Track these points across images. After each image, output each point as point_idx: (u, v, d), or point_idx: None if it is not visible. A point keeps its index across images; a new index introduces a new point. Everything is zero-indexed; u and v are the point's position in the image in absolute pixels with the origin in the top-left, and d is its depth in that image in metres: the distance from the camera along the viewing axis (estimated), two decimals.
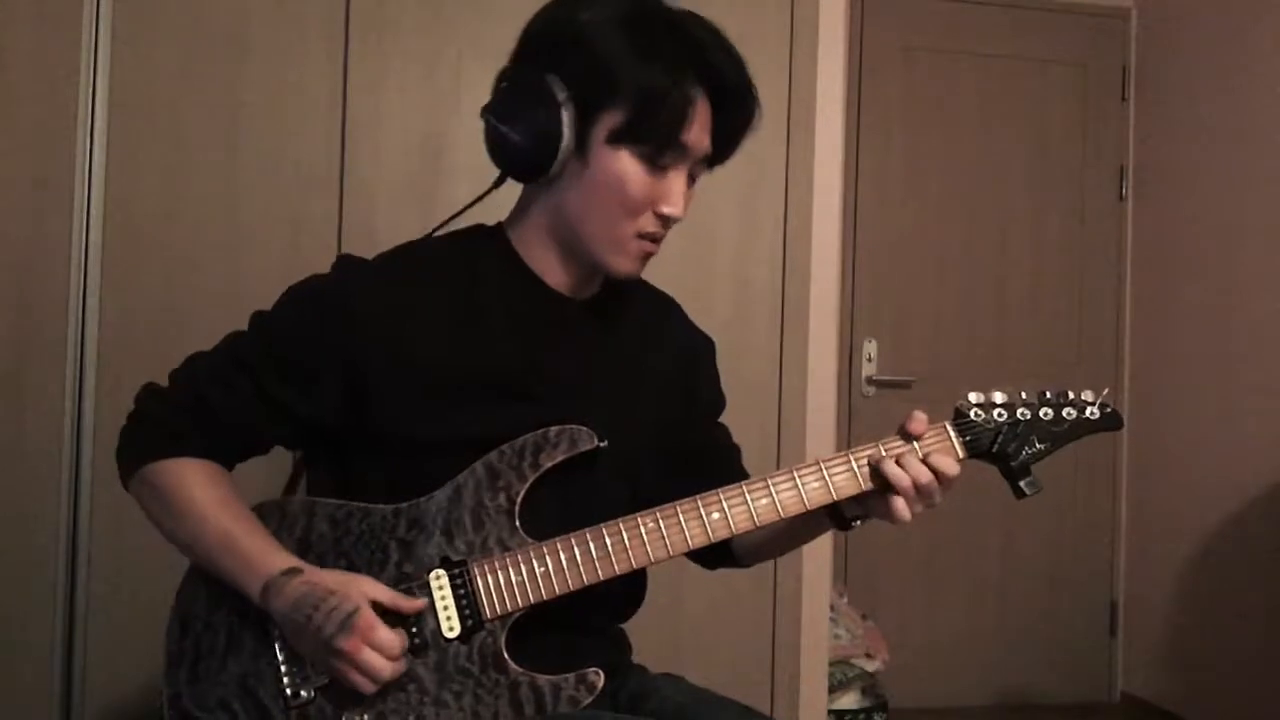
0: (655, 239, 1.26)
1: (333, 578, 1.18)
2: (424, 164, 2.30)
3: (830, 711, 2.80)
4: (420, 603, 1.19)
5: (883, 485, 1.24)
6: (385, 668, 1.14)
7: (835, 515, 1.31)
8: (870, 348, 3.65)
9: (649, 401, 1.35)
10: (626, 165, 1.21)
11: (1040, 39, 3.76)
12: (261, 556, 1.19)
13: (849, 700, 3.04)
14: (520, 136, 1.23)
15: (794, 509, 1.24)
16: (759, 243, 2.45)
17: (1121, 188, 3.83)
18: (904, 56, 3.69)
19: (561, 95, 1.19)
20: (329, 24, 2.26)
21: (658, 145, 1.20)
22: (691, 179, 1.26)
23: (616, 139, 1.20)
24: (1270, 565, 3.12)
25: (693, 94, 1.20)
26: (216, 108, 2.21)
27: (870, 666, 3.08)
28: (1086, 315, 3.81)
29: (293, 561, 1.19)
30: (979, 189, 3.73)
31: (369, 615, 1.14)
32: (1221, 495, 3.31)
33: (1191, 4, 3.59)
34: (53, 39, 2.14)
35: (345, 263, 1.30)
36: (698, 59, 1.21)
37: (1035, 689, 3.75)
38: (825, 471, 1.24)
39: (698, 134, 1.22)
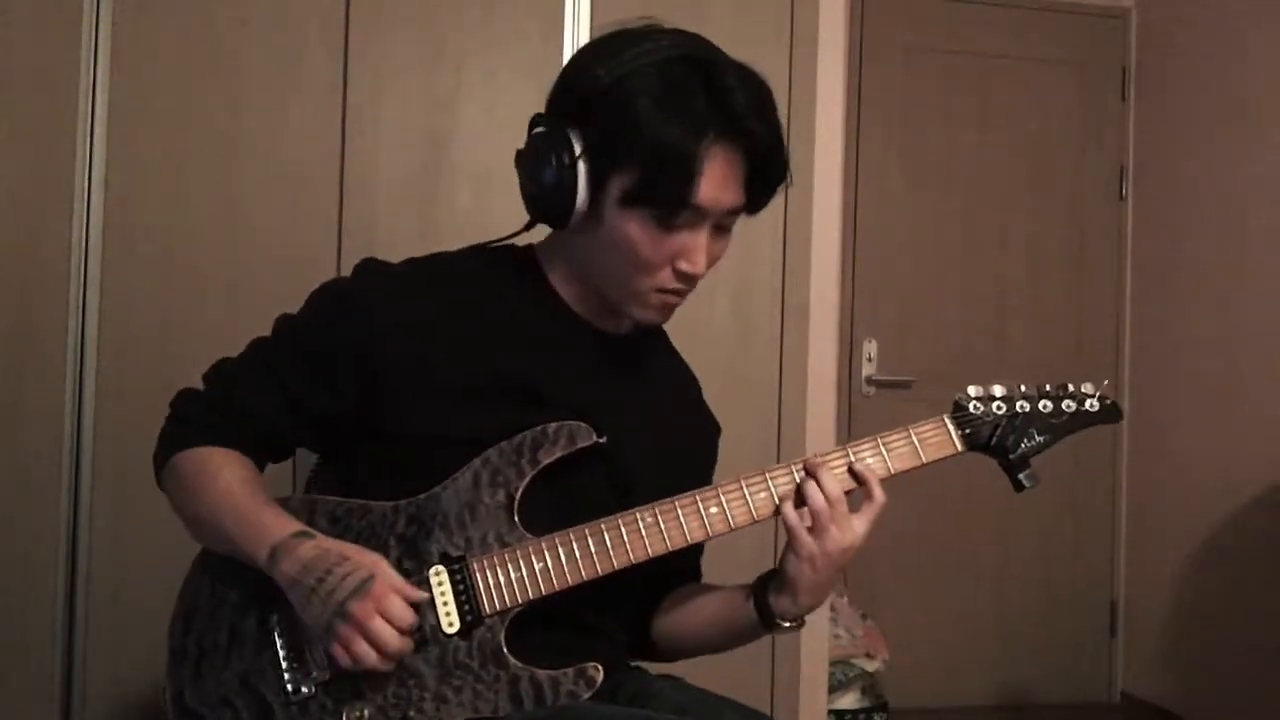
0: (677, 293, 1.26)
1: (347, 545, 1.18)
2: (424, 164, 2.30)
3: (830, 711, 2.80)
4: (424, 593, 1.19)
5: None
6: (394, 640, 1.14)
7: (765, 613, 1.30)
8: (870, 348, 3.65)
9: (655, 444, 1.34)
10: (638, 227, 1.19)
11: (1040, 39, 3.76)
12: (274, 522, 1.20)
13: (849, 700, 3.04)
14: (539, 188, 1.23)
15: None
16: (759, 243, 2.45)
17: (1121, 188, 3.83)
18: (904, 56, 3.69)
19: (578, 152, 1.19)
20: (329, 24, 2.26)
21: (668, 208, 1.18)
22: (723, 229, 1.24)
23: (627, 201, 1.18)
24: (1270, 565, 3.12)
25: (705, 153, 1.16)
26: (216, 108, 2.21)
27: (870, 666, 3.08)
28: (1086, 315, 3.81)
29: (302, 526, 1.20)
30: (979, 189, 3.73)
31: (383, 584, 1.14)
32: (1221, 495, 3.31)
33: (1191, 4, 3.59)
34: (53, 39, 2.14)
35: (367, 265, 1.32)
36: (720, 114, 1.16)
37: (1035, 689, 3.75)
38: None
39: (715, 192, 1.18)
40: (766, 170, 1.22)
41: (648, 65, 1.17)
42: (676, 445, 1.38)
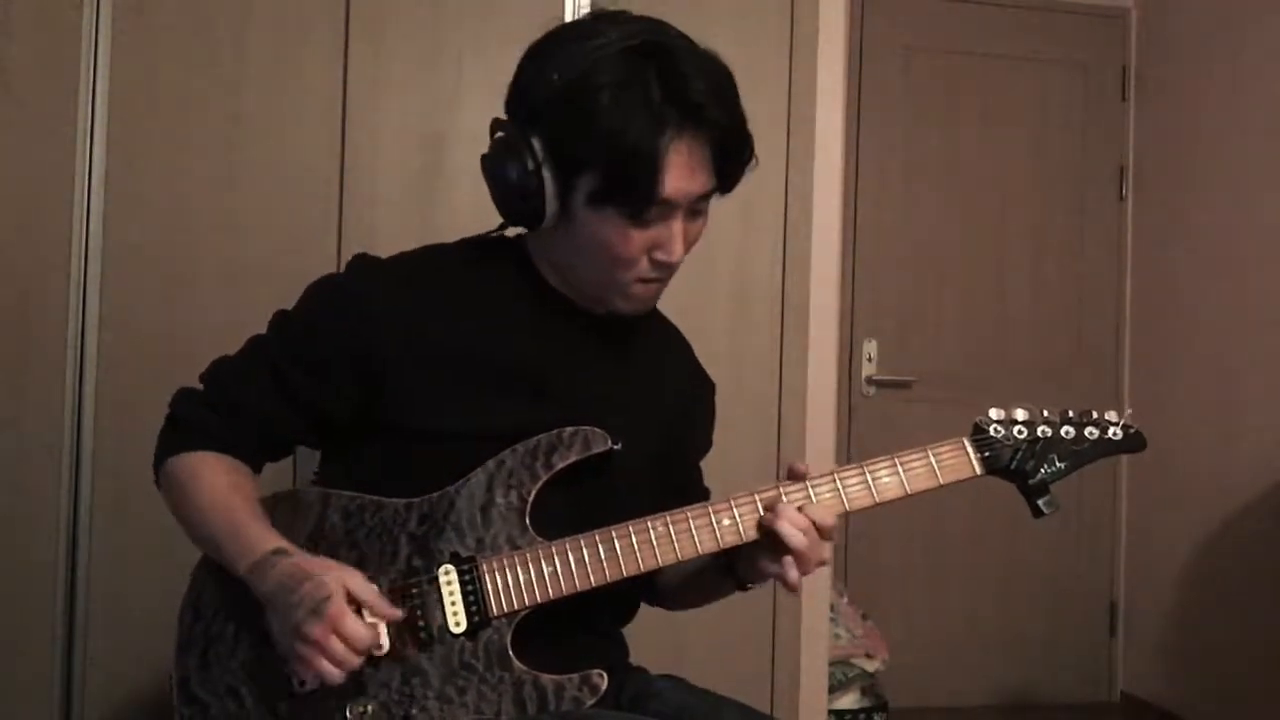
0: (657, 280, 1.26)
1: (316, 563, 1.17)
2: (424, 164, 2.30)
3: (830, 711, 2.80)
4: (397, 613, 1.17)
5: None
6: (350, 659, 1.12)
7: (735, 573, 1.31)
8: (870, 348, 3.65)
9: (655, 420, 1.35)
10: (610, 226, 1.19)
11: (1040, 39, 3.76)
12: (252, 537, 1.19)
13: (849, 700, 3.04)
14: (507, 193, 1.23)
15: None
16: (759, 243, 2.44)
17: (1121, 188, 3.83)
18: (904, 56, 3.69)
19: (542, 157, 1.19)
20: (329, 24, 2.25)
21: (635, 206, 1.18)
22: (697, 213, 1.23)
23: (595, 202, 1.18)
24: (1270, 565, 3.12)
25: (667, 147, 1.15)
26: (216, 108, 2.21)
27: (870, 666, 3.08)
28: (1086, 315, 3.81)
29: (281, 543, 1.19)
30: (979, 189, 3.73)
31: (340, 604, 1.12)
32: (1221, 496, 3.31)
33: (1191, 4, 3.59)
34: (53, 39, 2.14)
35: (360, 260, 1.33)
36: (677, 104, 1.15)
37: (1035, 689, 3.75)
38: (839, 482, 1.25)
39: (683, 181, 1.18)
40: (731, 153, 1.22)
41: (599, 62, 1.16)
42: (675, 416, 1.39)
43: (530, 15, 2.34)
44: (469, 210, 2.30)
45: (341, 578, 1.14)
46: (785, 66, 2.44)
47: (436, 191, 2.31)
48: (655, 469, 1.33)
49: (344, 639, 1.11)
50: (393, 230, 2.26)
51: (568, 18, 2.33)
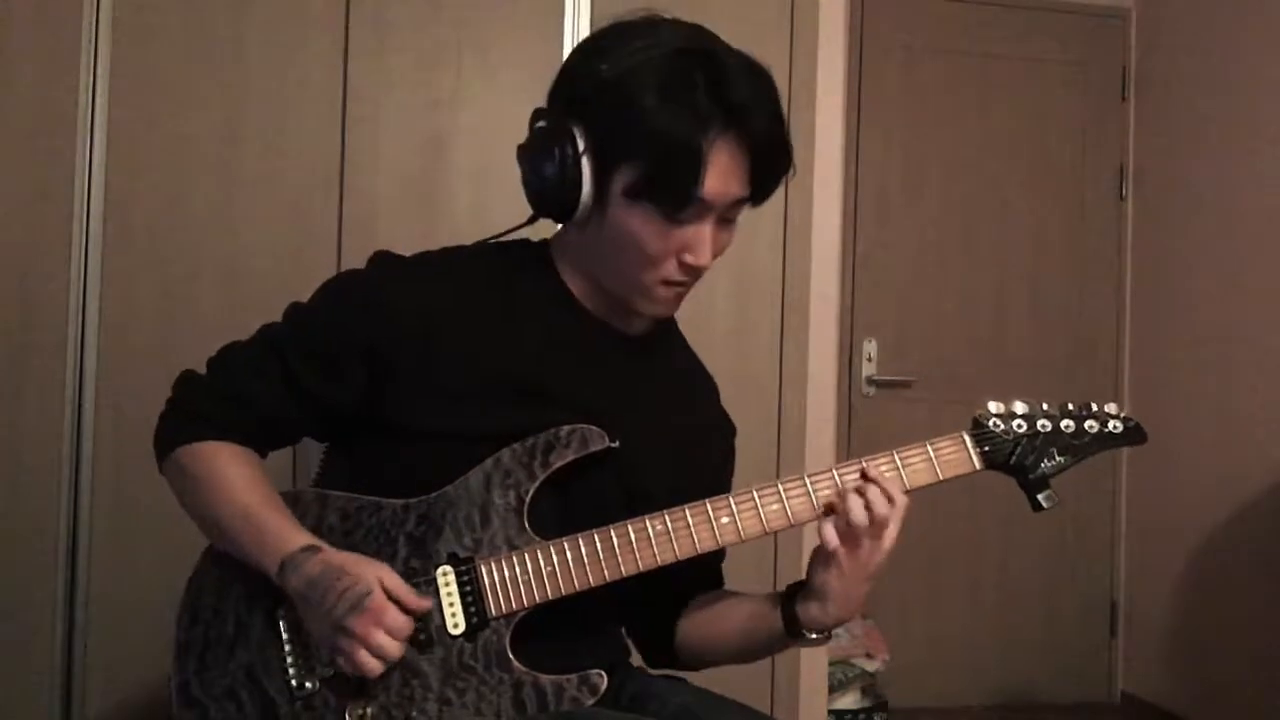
0: (682, 284, 1.25)
1: (349, 559, 1.18)
2: (424, 164, 2.30)
3: (830, 711, 2.80)
4: (427, 602, 1.19)
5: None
6: (395, 649, 1.15)
7: (791, 623, 1.27)
8: (870, 348, 3.65)
9: (666, 446, 1.33)
10: (643, 220, 1.19)
11: (1040, 39, 3.76)
12: (281, 534, 1.20)
13: (849, 700, 3.05)
14: (543, 182, 1.22)
15: (804, 515, 1.23)
16: (759, 243, 2.45)
17: (1121, 188, 3.83)
18: (904, 56, 3.69)
19: (582, 146, 1.19)
20: (329, 24, 2.26)
21: (673, 202, 1.18)
22: (727, 221, 1.24)
23: (632, 194, 1.18)
24: (1270, 565, 3.12)
25: (710, 146, 1.16)
26: (216, 107, 2.21)
27: (870, 666, 3.09)
28: (1086, 315, 3.81)
29: (312, 540, 1.20)
30: (979, 189, 3.73)
31: (381, 597, 1.15)
32: (1221, 495, 3.31)
33: (1191, 4, 3.59)
34: (53, 39, 2.14)
35: (380, 258, 1.32)
36: (722, 106, 1.16)
37: (1035, 689, 3.75)
38: (837, 478, 1.24)
39: (720, 184, 1.18)
40: (769, 160, 1.23)
41: (649, 59, 1.17)
42: (689, 448, 1.37)
43: (531, 16, 2.36)
44: (469, 210, 2.31)
45: (377, 573, 1.16)
46: (785, 66, 2.44)
47: (436, 191, 2.31)
48: (660, 482, 1.30)
49: (388, 631, 1.14)
50: (393, 230, 2.26)
51: (568, 19, 2.34)
